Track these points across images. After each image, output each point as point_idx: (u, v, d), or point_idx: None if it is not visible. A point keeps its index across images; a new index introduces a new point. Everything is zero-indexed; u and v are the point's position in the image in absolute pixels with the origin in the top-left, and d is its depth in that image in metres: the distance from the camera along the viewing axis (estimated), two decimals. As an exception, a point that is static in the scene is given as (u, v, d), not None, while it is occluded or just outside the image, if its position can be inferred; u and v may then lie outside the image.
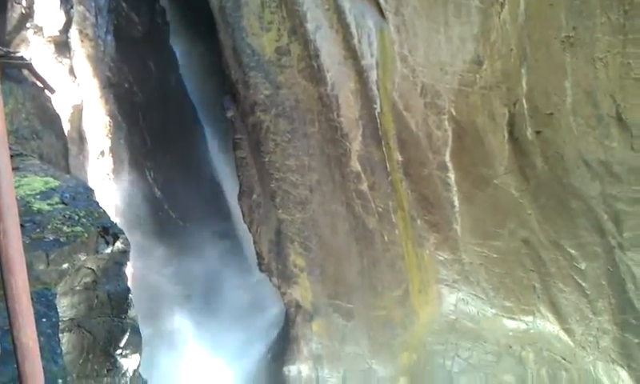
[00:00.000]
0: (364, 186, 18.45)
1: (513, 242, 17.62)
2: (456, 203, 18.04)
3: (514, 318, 18.56)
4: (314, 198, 18.64)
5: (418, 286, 19.33)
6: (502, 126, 16.46)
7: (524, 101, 15.75)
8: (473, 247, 18.33)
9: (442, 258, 18.94)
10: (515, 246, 17.62)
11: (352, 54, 17.54)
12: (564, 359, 17.95)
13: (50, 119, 16.19)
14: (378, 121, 17.99)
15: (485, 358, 19.22)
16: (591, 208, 15.76)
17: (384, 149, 18.25)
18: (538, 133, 15.93)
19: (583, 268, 16.51)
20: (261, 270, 19.62)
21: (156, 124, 22.57)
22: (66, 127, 20.28)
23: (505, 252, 17.86)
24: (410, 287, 19.25)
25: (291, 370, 19.50)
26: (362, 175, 18.38)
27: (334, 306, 19.24)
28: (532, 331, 18.41)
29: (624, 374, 16.40)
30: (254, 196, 19.32)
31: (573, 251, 16.56)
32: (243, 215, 19.63)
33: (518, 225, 17.37)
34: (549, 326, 17.95)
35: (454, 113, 16.94)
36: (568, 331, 17.51)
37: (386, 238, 18.81)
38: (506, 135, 16.50)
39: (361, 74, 17.71)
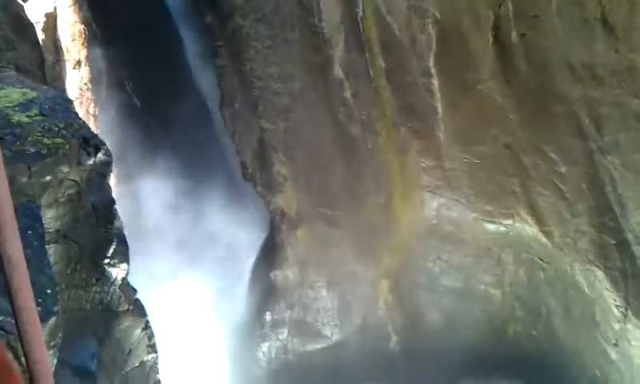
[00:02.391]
0: (347, 94, 18.27)
1: (495, 147, 17.74)
2: (439, 110, 18.00)
3: (493, 222, 18.95)
4: (297, 107, 18.46)
5: (401, 192, 19.55)
6: (486, 29, 16.22)
7: (509, 3, 15.48)
8: (455, 153, 18.44)
9: (425, 165, 19.08)
10: (497, 151, 17.76)
11: (333, -45, 16.96)
12: (542, 260, 18.48)
13: (24, 28, 15.58)
14: (361, 26, 17.61)
15: (465, 260, 19.75)
16: (573, 112, 15.83)
17: (367, 55, 17.96)
18: (522, 36, 15.75)
19: (563, 171, 16.75)
20: (245, 179, 19.64)
21: (132, 32, 21.87)
22: (41, 37, 19.60)
23: (487, 157, 18.01)
24: (393, 194, 19.48)
25: (277, 274, 19.92)
26: (345, 82, 18.16)
27: (319, 213, 19.47)
28: (511, 234, 18.85)
29: (600, 273, 16.96)
30: (236, 105, 19.07)
31: (553, 155, 16.74)
32: (225, 125, 19.43)
33: (500, 130, 17.44)
34: (528, 228, 18.37)
35: (439, 16, 16.62)
36: (546, 233, 17.95)
37: (369, 145, 18.84)
38: (491, 38, 16.30)
39: (343, -24, 17.22)
